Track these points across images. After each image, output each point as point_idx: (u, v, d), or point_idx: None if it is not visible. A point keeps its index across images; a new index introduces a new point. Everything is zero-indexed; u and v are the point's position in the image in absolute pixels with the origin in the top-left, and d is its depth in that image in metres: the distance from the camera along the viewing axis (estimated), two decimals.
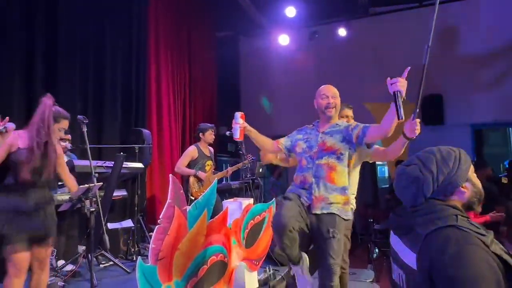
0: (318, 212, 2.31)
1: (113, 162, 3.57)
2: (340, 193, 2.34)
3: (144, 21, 5.79)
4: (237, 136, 2.47)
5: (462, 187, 1.21)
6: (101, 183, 2.46)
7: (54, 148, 2.47)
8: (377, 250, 5.63)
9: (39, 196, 2.38)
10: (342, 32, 7.67)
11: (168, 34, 6.42)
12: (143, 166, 4.51)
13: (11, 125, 2.11)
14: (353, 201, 2.65)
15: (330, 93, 2.49)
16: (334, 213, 2.30)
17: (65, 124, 2.50)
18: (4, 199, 2.26)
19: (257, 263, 3.24)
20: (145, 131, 4.97)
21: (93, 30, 4.85)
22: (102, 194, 3.45)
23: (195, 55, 7.27)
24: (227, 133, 4.28)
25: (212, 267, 2.60)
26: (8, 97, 3.77)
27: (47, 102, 2.42)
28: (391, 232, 1.34)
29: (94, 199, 2.29)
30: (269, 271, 3.48)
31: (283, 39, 7.92)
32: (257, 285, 3.19)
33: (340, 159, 2.38)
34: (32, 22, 4.08)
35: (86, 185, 2.18)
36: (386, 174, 8.65)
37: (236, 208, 3.07)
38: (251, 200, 3.34)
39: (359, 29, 7.69)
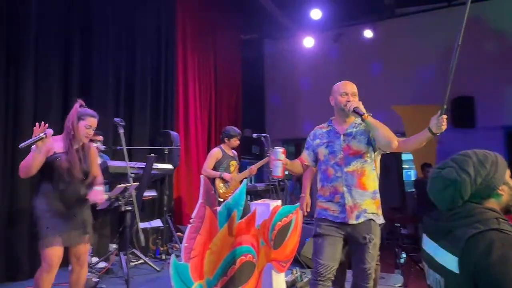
0: (354, 222, 2.23)
1: (144, 163, 3.69)
2: (371, 198, 2.27)
3: (172, 26, 5.93)
4: (279, 173, 2.28)
5: (499, 190, 1.21)
6: (137, 183, 2.55)
7: (88, 149, 2.58)
8: (404, 255, 5.53)
9: (75, 197, 2.49)
10: (368, 33, 7.60)
11: (194, 38, 6.56)
12: (172, 167, 4.63)
13: (50, 131, 2.22)
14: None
15: (350, 90, 2.32)
16: (370, 220, 2.25)
17: (91, 121, 2.55)
18: (42, 201, 2.38)
19: (285, 265, 3.26)
20: (173, 133, 5.10)
21: (124, 37, 5.02)
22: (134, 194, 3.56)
23: (220, 58, 7.38)
24: (254, 135, 4.35)
25: (241, 267, 2.65)
26: (47, 103, 3.96)
27: (75, 105, 2.55)
28: (424, 236, 1.34)
29: (130, 198, 2.36)
30: (296, 273, 3.49)
31: (308, 42, 7.92)
32: (285, 287, 3.21)
33: (368, 163, 2.29)
34: (68, 30, 4.27)
35: (123, 185, 2.26)
36: (413, 178, 8.47)
37: (264, 209, 3.10)
38: (279, 202, 3.37)
39: (386, 30, 7.59)
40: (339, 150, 2.29)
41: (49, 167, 2.36)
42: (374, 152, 2.32)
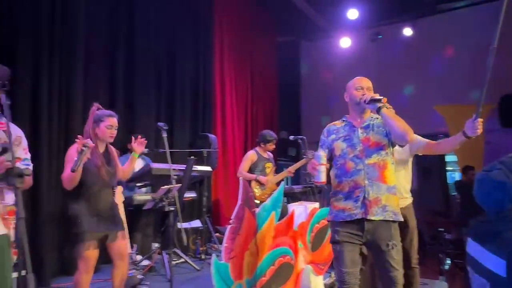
0: (373, 218, 2.11)
1: (184, 166, 3.82)
2: (390, 192, 2.16)
3: (210, 31, 6.09)
4: (322, 179, 2.13)
5: None
6: (180, 184, 2.65)
7: (112, 150, 2.70)
8: (449, 262, 5.31)
9: (106, 197, 2.61)
10: (407, 31, 7.39)
11: (231, 42, 6.69)
12: (211, 169, 4.75)
13: (91, 143, 2.34)
14: (410, 199, 2.77)
15: (365, 84, 2.26)
16: (389, 221, 2.14)
17: (111, 121, 2.62)
18: (78, 203, 2.49)
19: (323, 267, 3.25)
20: (212, 136, 5.23)
21: (165, 43, 5.22)
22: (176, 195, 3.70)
23: (256, 61, 7.47)
24: (291, 137, 4.36)
25: (280, 269, 2.68)
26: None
27: (92, 109, 2.65)
28: (469, 240, 1.30)
29: (172, 199, 2.46)
30: (335, 276, 3.46)
31: (345, 42, 7.83)
32: None
33: (388, 155, 2.20)
34: (113, 39, 4.52)
35: (167, 186, 2.37)
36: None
37: (301, 211, 3.12)
38: (317, 204, 3.36)
39: (426, 27, 7.34)
40: (358, 143, 2.19)
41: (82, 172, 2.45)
42: (391, 146, 2.24)
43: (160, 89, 5.14)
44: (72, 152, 2.45)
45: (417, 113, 6.65)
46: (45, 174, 3.60)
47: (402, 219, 2.22)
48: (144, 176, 3.71)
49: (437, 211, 6.69)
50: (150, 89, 4.96)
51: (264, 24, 7.71)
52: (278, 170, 4.57)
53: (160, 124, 2.74)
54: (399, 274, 2.12)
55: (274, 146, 4.49)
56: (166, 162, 3.09)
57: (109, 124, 2.58)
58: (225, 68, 6.52)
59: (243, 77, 7.06)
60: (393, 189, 2.17)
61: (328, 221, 2.30)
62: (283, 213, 2.88)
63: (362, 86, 2.25)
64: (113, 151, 2.73)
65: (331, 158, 2.28)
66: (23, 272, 1.39)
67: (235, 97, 6.77)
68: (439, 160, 7.62)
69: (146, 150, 4.17)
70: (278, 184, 4.11)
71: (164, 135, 2.69)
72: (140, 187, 3.82)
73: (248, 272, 2.43)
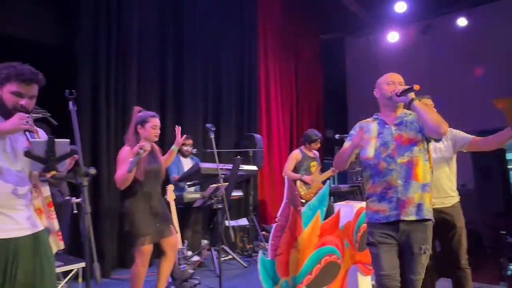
0: (408, 218, 2.04)
1: (231, 165, 3.93)
2: (424, 190, 2.08)
3: (254, 31, 6.17)
4: (370, 154, 2.10)
5: None
6: (227, 183, 2.76)
7: (156, 149, 2.84)
8: (511, 266, 4.95)
9: (157, 193, 2.78)
10: (462, 22, 6.97)
11: (275, 41, 6.74)
12: (256, 169, 4.83)
13: (147, 146, 2.51)
14: (457, 197, 2.68)
15: (396, 79, 2.17)
16: (426, 222, 2.07)
17: (155, 121, 2.74)
18: (132, 202, 2.66)
19: (371, 268, 3.19)
20: (257, 136, 5.32)
21: (210, 44, 5.37)
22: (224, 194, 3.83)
23: (301, 59, 7.46)
24: (337, 136, 4.32)
25: (326, 267, 2.68)
26: (147, 107, 4.43)
27: (134, 112, 2.80)
28: None
29: (220, 197, 2.57)
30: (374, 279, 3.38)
31: (392, 36, 7.57)
32: None
33: (421, 152, 2.10)
34: (163, 43, 4.74)
35: (215, 185, 2.47)
36: None
37: (348, 211, 3.09)
38: (363, 203, 3.31)
39: (483, 17, 6.87)
40: (391, 141, 2.11)
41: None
42: (426, 141, 2.14)
43: (206, 91, 5.31)
44: (124, 154, 2.62)
45: (474, 108, 6.27)
46: (104, 172, 3.88)
47: (433, 219, 2.13)
48: (193, 176, 3.87)
49: (499, 213, 6.26)
50: (197, 92, 5.14)
51: (308, 22, 7.67)
52: (324, 169, 4.54)
53: (208, 125, 2.87)
54: (420, 278, 2.08)
55: (319, 145, 4.48)
56: (213, 162, 3.21)
57: (154, 125, 2.74)
58: (269, 67, 6.58)
59: (287, 76, 7.08)
60: (426, 187, 2.09)
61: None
62: (329, 212, 2.87)
63: (393, 81, 2.16)
64: (157, 148, 2.89)
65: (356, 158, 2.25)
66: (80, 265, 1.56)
67: (280, 96, 6.81)
68: (500, 159, 7.11)
69: (194, 151, 4.36)
70: (323, 183, 4.10)
71: (212, 135, 2.81)
72: (189, 186, 3.99)
73: (294, 269, 2.47)
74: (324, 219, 2.73)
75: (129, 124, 4.15)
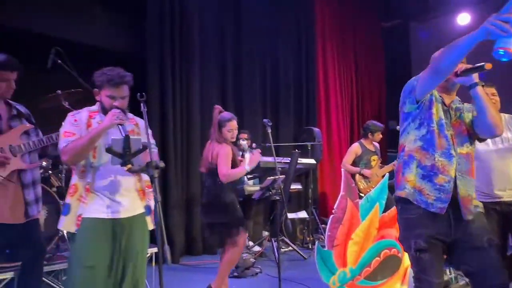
0: (470, 217, 1.76)
1: (289, 158, 4.01)
2: (476, 189, 1.86)
3: (311, 22, 6.12)
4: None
5: None
6: (284, 175, 2.85)
7: (238, 147, 3.02)
8: None
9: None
10: None
11: (333, 31, 6.61)
12: (315, 162, 4.86)
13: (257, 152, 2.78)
14: None
15: None
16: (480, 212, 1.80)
17: (231, 125, 2.90)
18: (228, 194, 2.85)
19: None
20: (316, 129, 5.33)
21: (267, 37, 5.44)
22: (281, 186, 3.93)
23: (361, 49, 7.24)
24: (398, 127, 4.18)
25: (385, 261, 2.66)
26: (208, 103, 4.66)
27: (215, 112, 2.96)
28: None
29: (278, 190, 2.67)
30: (450, 274, 3.24)
31: (463, 18, 7.02)
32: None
33: (474, 145, 1.85)
34: (222, 40, 4.93)
35: (272, 177, 2.57)
36: None
37: None
38: None
39: None
40: (449, 125, 1.79)
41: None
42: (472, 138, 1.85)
43: (265, 85, 5.41)
44: (225, 152, 2.80)
45: None
46: (172, 166, 4.19)
47: None
48: (253, 169, 4.01)
49: None
50: (256, 87, 5.26)
51: (366, 10, 7.41)
52: (388, 162, 4.43)
53: (265, 120, 2.97)
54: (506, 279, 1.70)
55: (381, 137, 4.37)
56: (272, 155, 3.31)
57: (230, 128, 2.89)
58: (328, 59, 6.49)
59: (347, 67, 6.92)
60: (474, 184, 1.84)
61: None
62: (388, 206, 2.83)
63: None
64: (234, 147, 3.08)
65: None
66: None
67: (339, 88, 6.69)
68: None
69: (254, 145, 4.51)
70: (383, 177, 4.00)
71: (269, 130, 2.91)
72: (249, 179, 4.15)
73: (352, 261, 2.50)
74: (383, 212, 2.70)
75: (194, 122, 4.48)
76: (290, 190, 4.48)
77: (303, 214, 4.92)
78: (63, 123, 1.96)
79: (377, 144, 4.47)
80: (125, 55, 4.20)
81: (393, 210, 2.79)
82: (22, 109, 2.20)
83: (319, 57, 6.29)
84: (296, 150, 3.97)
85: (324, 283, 2.67)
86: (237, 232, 2.78)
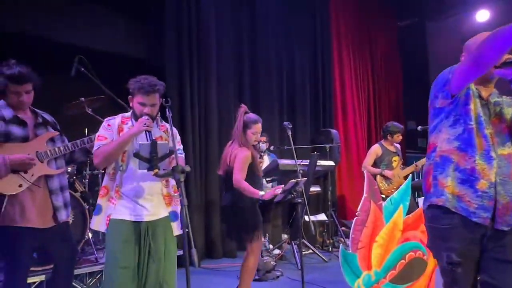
0: (505, 228, 1.56)
1: (307, 161, 3.99)
2: None
3: (327, 23, 6.12)
4: None
5: None
6: (305, 178, 2.84)
7: (256, 149, 3.00)
8: None
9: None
10: None
11: (349, 32, 6.59)
12: (334, 164, 4.83)
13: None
14: None
15: None
16: None
17: (256, 128, 2.84)
18: (245, 198, 2.77)
19: None
20: (333, 131, 5.30)
21: (283, 41, 5.46)
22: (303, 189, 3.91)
23: (376, 50, 7.19)
24: (419, 128, 4.13)
25: (410, 263, 2.62)
26: (226, 106, 4.72)
27: (240, 111, 2.91)
28: None
29: (300, 192, 2.65)
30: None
31: (482, 15, 6.87)
32: None
33: None
34: (238, 47, 4.98)
35: (294, 180, 2.56)
36: None
37: None
38: None
39: None
40: (487, 122, 1.61)
41: (249, 170, 2.79)
42: None
43: (281, 87, 5.42)
44: (242, 156, 2.74)
45: None
46: (191, 170, 4.20)
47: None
48: (271, 172, 4.01)
49: None
50: (272, 89, 5.28)
51: (382, 10, 7.36)
52: (408, 163, 4.36)
53: (285, 123, 2.96)
54: None
55: (401, 138, 4.30)
56: (290, 158, 3.30)
57: (255, 131, 2.83)
58: (344, 60, 6.46)
59: (363, 67, 6.88)
60: None
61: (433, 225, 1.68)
62: (411, 208, 2.79)
63: None
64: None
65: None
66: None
67: (356, 89, 6.65)
68: None
69: (272, 148, 4.52)
70: (405, 178, 3.95)
71: (289, 133, 2.90)
72: (268, 182, 4.15)
73: (377, 263, 2.46)
74: (406, 215, 2.66)
75: (212, 127, 4.51)
76: (309, 193, 4.46)
77: (322, 217, 4.89)
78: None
79: (398, 145, 4.41)
80: (144, 62, 4.29)
81: (418, 211, 2.75)
82: (48, 116, 2.26)
83: (335, 58, 6.27)
84: (315, 152, 3.95)
85: (347, 286, 2.65)
86: (252, 238, 2.74)
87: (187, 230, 1.68)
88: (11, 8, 3.51)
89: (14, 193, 1.93)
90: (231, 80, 4.83)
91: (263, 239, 3.35)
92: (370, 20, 7.06)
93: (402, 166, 4.29)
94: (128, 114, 2.13)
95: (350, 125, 6.42)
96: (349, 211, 6.17)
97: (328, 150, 4.97)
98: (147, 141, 1.81)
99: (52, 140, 2.20)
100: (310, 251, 4.42)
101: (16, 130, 2.03)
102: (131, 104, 2.09)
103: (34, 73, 2.08)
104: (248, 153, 2.77)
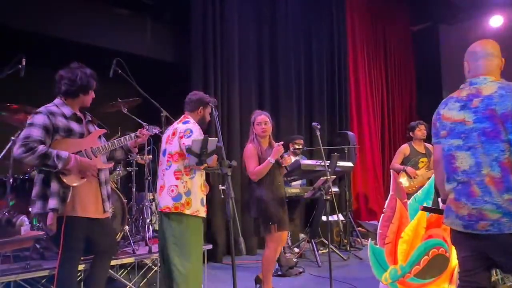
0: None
1: (328, 162, 4.11)
2: None
3: (343, 28, 6.26)
4: None
5: None
6: (334, 176, 2.95)
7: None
8: None
9: (282, 185, 3.05)
10: None
11: (363, 38, 6.72)
12: (352, 165, 4.93)
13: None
14: None
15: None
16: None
17: (260, 119, 3.03)
18: (267, 191, 2.90)
19: None
20: (350, 133, 5.42)
21: (301, 45, 5.61)
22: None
23: (390, 54, 7.31)
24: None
25: (433, 260, 2.72)
26: (248, 109, 4.83)
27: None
28: None
29: (328, 190, 2.76)
30: (497, 275, 3.25)
31: (496, 21, 6.95)
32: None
33: None
34: (259, 52, 5.13)
35: (324, 177, 2.68)
36: None
37: None
38: None
39: None
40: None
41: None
42: None
43: (300, 92, 5.56)
44: (247, 152, 2.95)
45: None
46: None
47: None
48: (293, 172, 4.12)
49: None
50: (292, 93, 5.42)
51: (396, 14, 7.48)
52: None
53: (314, 124, 3.08)
54: None
55: (424, 131, 4.22)
56: (320, 158, 3.38)
57: (259, 122, 3.00)
58: (358, 64, 6.58)
59: (377, 72, 6.99)
60: None
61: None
62: (435, 206, 2.89)
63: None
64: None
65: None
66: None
67: (370, 92, 6.76)
68: None
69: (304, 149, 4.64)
70: (429, 179, 3.95)
71: (318, 133, 3.01)
72: (289, 181, 4.26)
73: (402, 259, 2.57)
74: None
75: (234, 125, 4.67)
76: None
77: (339, 217, 4.99)
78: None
79: (430, 146, 4.38)
80: (171, 65, 4.45)
81: (440, 210, 2.86)
82: (89, 115, 2.42)
83: (350, 63, 6.39)
84: (335, 153, 4.07)
85: (369, 283, 2.75)
86: (267, 229, 2.83)
87: (232, 220, 1.79)
88: (44, 13, 3.72)
89: (78, 183, 2.07)
90: (252, 85, 4.99)
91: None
92: (384, 25, 7.18)
93: (428, 168, 4.29)
94: (192, 120, 2.52)
95: (364, 128, 6.52)
96: (363, 212, 6.26)
97: (346, 151, 5.09)
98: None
99: (99, 137, 2.35)
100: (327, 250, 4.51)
101: (75, 126, 2.19)
102: (199, 113, 2.61)
103: None
104: (249, 146, 2.97)
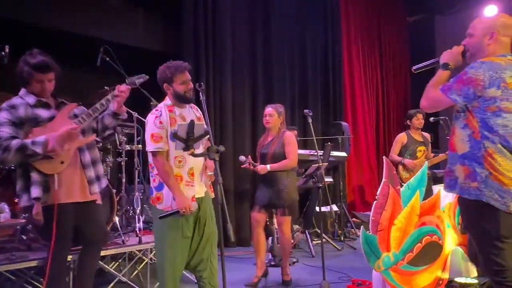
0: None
1: (321, 152, 4.08)
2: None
3: (337, 17, 6.19)
4: None
5: None
6: (326, 163, 2.92)
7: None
8: None
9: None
10: None
11: (358, 28, 6.65)
12: (346, 155, 4.91)
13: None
14: None
15: None
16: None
17: (264, 111, 3.19)
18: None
19: None
20: (344, 124, 5.38)
21: (295, 35, 5.55)
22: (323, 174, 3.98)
23: (386, 44, 7.26)
24: (431, 119, 4.16)
25: (427, 247, 2.70)
26: (241, 100, 4.81)
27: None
28: None
29: (320, 177, 2.74)
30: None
31: (490, 10, 6.91)
32: (476, 274, 3.05)
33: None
34: (253, 37, 5.05)
35: (316, 165, 2.65)
36: None
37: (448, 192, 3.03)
38: None
39: None
40: None
41: None
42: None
43: (293, 82, 5.51)
44: None
45: None
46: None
47: (468, 196, 1.83)
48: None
49: None
50: (285, 84, 5.37)
51: (391, 5, 7.42)
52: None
53: (306, 111, 3.06)
54: None
55: (421, 120, 4.21)
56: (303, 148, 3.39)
57: (264, 114, 3.23)
58: (353, 55, 6.52)
59: (372, 62, 6.94)
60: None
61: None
62: (428, 194, 2.87)
63: None
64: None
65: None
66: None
67: (365, 83, 6.72)
68: None
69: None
70: (430, 168, 3.88)
71: (309, 120, 2.98)
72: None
73: (395, 246, 2.54)
74: (424, 200, 2.74)
75: (227, 116, 4.63)
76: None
77: (333, 208, 4.97)
78: (147, 122, 2.16)
79: (426, 135, 4.33)
80: (162, 55, 4.36)
81: (434, 197, 2.83)
82: (62, 99, 2.28)
83: (345, 53, 6.34)
84: (329, 143, 4.03)
85: (363, 272, 2.73)
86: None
87: (220, 206, 1.75)
88: (35, 2, 3.62)
89: (60, 170, 2.01)
90: (245, 76, 4.93)
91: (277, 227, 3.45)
92: (379, 15, 7.12)
93: (435, 154, 4.22)
94: (168, 102, 2.19)
95: (359, 119, 6.49)
96: (356, 203, 6.25)
97: (340, 141, 5.05)
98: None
99: (75, 116, 2.20)
100: (324, 240, 4.49)
101: (42, 112, 2.10)
102: (169, 92, 2.17)
103: (56, 63, 2.15)
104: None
